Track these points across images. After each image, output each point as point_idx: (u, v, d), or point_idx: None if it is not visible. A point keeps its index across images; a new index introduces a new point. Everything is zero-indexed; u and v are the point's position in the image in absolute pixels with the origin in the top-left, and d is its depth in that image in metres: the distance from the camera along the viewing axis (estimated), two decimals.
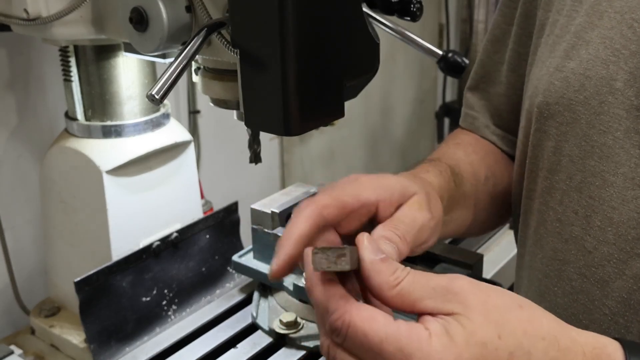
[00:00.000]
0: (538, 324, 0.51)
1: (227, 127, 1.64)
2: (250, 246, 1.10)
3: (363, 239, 0.54)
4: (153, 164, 1.07)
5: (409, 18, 0.81)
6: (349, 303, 0.50)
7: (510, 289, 1.22)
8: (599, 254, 0.69)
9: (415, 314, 0.52)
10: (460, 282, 0.51)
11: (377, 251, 0.53)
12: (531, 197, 0.79)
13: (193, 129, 1.57)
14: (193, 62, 0.86)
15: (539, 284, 0.77)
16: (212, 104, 0.87)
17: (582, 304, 0.70)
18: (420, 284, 0.51)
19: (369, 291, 0.53)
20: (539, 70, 0.76)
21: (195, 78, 0.88)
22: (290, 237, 0.57)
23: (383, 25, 0.82)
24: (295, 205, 1.05)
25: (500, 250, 1.23)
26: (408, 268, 0.53)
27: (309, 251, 0.52)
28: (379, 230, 0.60)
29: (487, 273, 1.13)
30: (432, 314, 0.50)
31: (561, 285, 0.73)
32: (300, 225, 0.57)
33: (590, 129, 0.68)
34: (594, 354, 0.51)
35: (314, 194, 1.09)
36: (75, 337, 1.03)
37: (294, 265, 0.57)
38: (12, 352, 1.01)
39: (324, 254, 0.50)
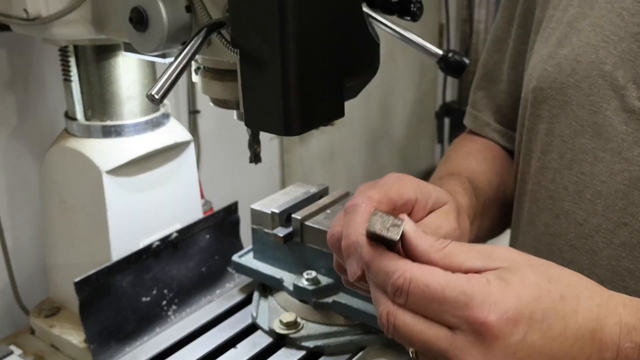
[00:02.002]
0: (578, 277, 0.54)
1: (227, 127, 1.64)
2: (250, 246, 1.10)
3: (404, 216, 0.56)
4: (153, 164, 1.07)
5: (409, 18, 0.81)
6: (407, 262, 0.53)
7: None
8: (589, 225, 0.73)
9: None
10: (502, 247, 0.54)
11: (417, 228, 0.55)
12: (525, 180, 0.83)
13: (193, 129, 1.57)
14: (193, 62, 0.86)
15: None
16: (212, 104, 0.87)
17: None
18: (466, 248, 0.53)
19: (416, 259, 0.54)
20: (533, 60, 0.80)
21: (195, 78, 0.88)
22: (357, 231, 0.57)
23: (383, 25, 0.82)
24: (295, 205, 1.05)
25: None
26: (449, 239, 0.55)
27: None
28: None
29: None
30: (480, 272, 0.52)
31: (552, 258, 0.75)
32: (362, 220, 0.58)
33: (581, 109, 0.73)
34: (633, 304, 0.54)
35: (313, 194, 1.10)
36: (75, 337, 1.03)
37: None
38: (12, 352, 1.01)
39: (382, 217, 0.53)
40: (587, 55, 0.72)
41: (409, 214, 0.64)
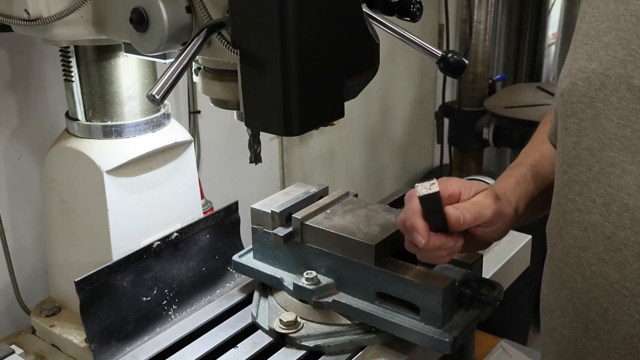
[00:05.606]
0: None
1: (227, 127, 1.64)
2: (250, 246, 1.10)
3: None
4: (153, 164, 1.07)
5: (408, 18, 0.81)
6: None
7: (510, 288, 1.22)
8: (617, 238, 0.73)
9: None
10: None
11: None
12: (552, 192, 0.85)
13: (193, 129, 1.57)
14: (193, 63, 0.86)
15: (559, 273, 0.81)
16: (212, 104, 0.88)
17: (601, 288, 0.75)
18: None
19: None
20: (563, 73, 0.81)
21: (196, 78, 0.88)
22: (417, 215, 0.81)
23: (383, 26, 0.83)
24: (295, 205, 1.06)
25: (499, 250, 1.24)
26: None
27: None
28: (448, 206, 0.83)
29: (487, 273, 1.13)
30: None
31: (581, 271, 0.77)
32: (417, 203, 0.81)
33: (609, 122, 0.74)
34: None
35: (313, 194, 1.10)
36: (75, 336, 1.04)
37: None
38: (13, 352, 1.01)
39: (421, 185, 0.79)
40: (615, 70, 0.73)
41: (457, 202, 0.84)
